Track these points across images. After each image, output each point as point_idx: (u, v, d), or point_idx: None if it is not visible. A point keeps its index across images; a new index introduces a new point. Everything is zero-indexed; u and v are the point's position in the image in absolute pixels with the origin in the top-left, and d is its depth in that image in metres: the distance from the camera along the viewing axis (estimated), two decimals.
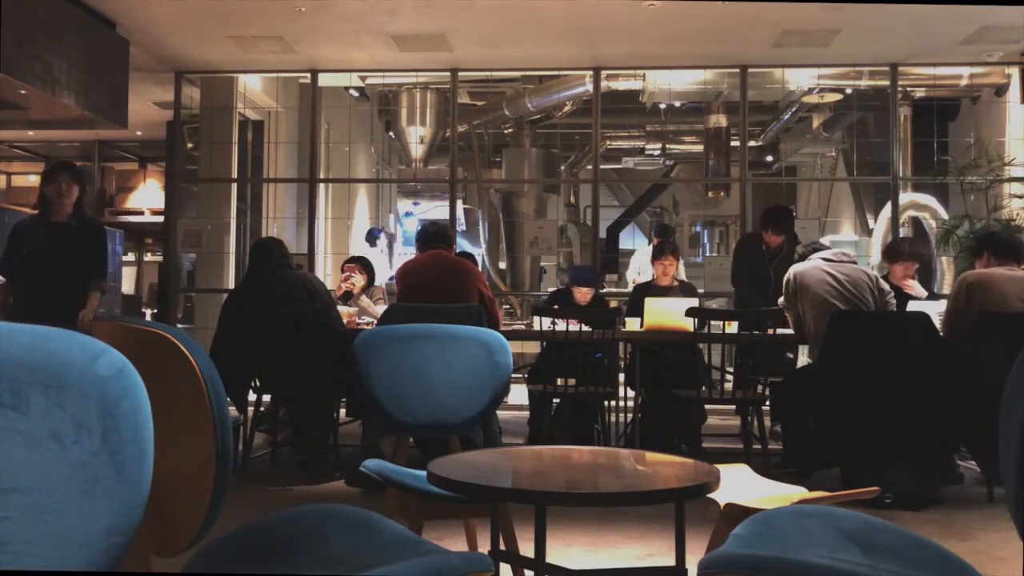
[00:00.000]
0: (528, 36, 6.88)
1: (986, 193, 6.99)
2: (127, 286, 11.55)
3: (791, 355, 5.66)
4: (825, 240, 6.12)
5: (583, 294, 5.50)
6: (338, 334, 4.64)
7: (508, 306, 9.80)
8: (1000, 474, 1.41)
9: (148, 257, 12.79)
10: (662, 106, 9.85)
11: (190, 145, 8.65)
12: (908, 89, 8.01)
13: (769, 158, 12.05)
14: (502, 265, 10.10)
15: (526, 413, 5.58)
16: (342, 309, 5.12)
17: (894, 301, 4.62)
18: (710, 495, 1.89)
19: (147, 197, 10.57)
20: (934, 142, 7.95)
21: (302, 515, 1.72)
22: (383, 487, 2.38)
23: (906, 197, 8.14)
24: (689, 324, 4.78)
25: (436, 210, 9.72)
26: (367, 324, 5.07)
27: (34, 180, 12.62)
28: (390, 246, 10.33)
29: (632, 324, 5.22)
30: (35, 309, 4.18)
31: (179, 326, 8.06)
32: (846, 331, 4.18)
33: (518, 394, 6.42)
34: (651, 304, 5.03)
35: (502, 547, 2.32)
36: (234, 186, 8.41)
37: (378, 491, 2.48)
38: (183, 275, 8.91)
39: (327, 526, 1.66)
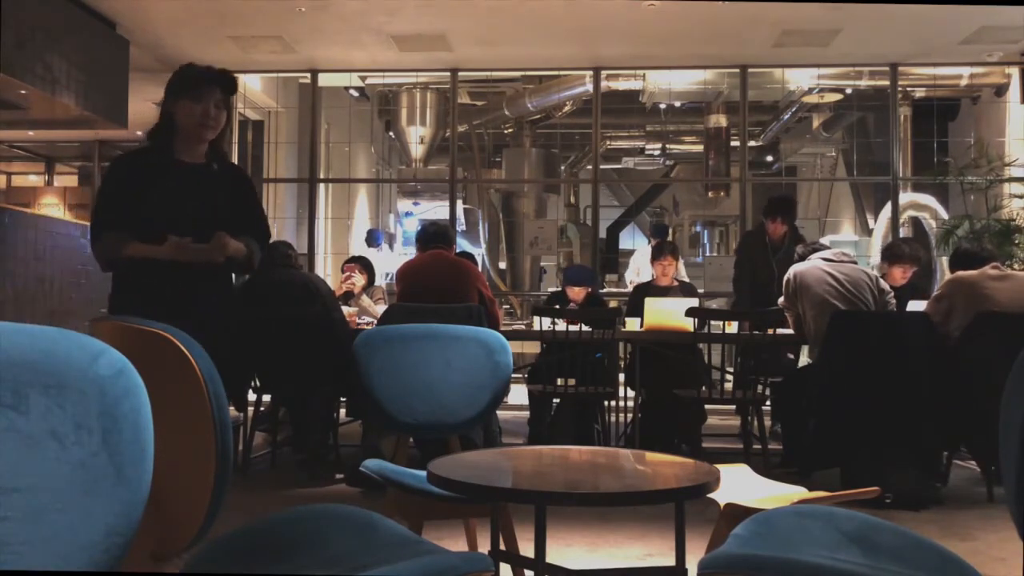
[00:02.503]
0: (528, 36, 6.88)
1: (986, 193, 6.99)
2: None
3: (791, 355, 5.66)
4: (825, 240, 6.13)
5: (576, 293, 5.53)
6: (339, 334, 4.64)
7: (508, 306, 9.80)
8: (1000, 474, 1.41)
9: None
10: (662, 106, 9.86)
11: None
12: (908, 89, 8.02)
13: (769, 158, 12.05)
14: (502, 265, 10.10)
15: (526, 413, 5.58)
16: (343, 309, 5.12)
17: (894, 301, 4.62)
18: (710, 495, 1.89)
19: None
20: (934, 142, 7.96)
21: (302, 515, 1.72)
22: (383, 487, 2.38)
23: (906, 197, 8.14)
24: (689, 324, 4.78)
25: (436, 210, 9.71)
26: (367, 324, 5.07)
27: (34, 180, 12.63)
28: (390, 246, 10.34)
29: (632, 324, 5.22)
30: (166, 291, 2.62)
31: None
32: (846, 331, 4.18)
33: (518, 394, 6.42)
34: (651, 304, 5.04)
35: (502, 547, 2.32)
36: None
37: (378, 491, 2.49)
38: None
39: (327, 526, 1.66)
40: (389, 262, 9.02)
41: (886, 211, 8.01)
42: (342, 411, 5.34)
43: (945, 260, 7.72)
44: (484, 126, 9.91)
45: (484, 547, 2.43)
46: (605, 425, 5.30)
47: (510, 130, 9.92)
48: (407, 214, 10.85)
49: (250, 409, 4.78)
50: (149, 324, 1.55)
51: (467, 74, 8.15)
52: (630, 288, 7.72)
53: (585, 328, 4.80)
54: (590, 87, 7.98)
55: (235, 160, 8.30)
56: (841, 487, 3.91)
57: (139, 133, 10.56)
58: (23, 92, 5.82)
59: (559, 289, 5.87)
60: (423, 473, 1.98)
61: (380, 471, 2.36)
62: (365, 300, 5.76)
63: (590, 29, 6.77)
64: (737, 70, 7.63)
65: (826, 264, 4.51)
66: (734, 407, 5.66)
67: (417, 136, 8.79)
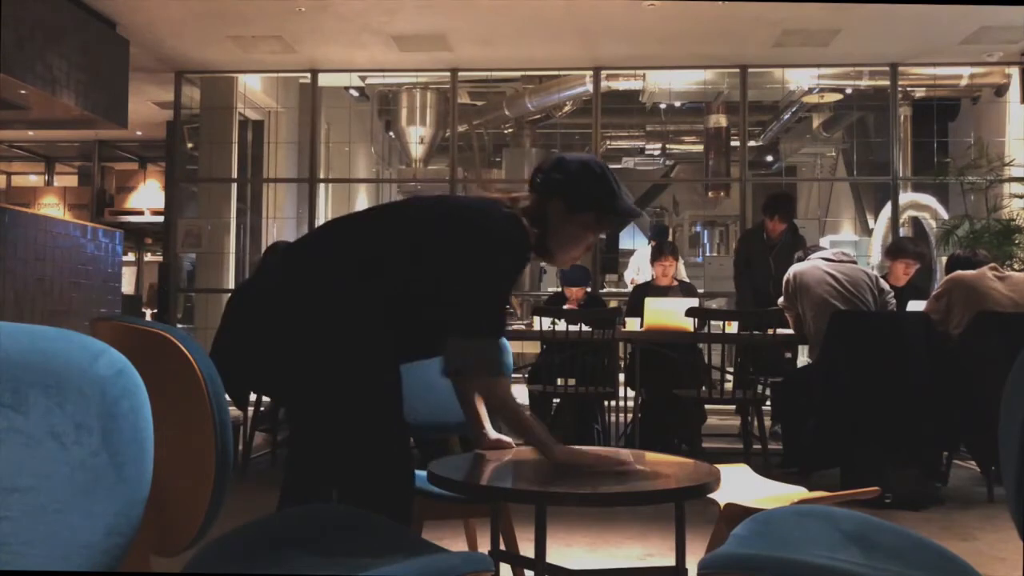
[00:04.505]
0: (528, 36, 6.88)
1: (986, 193, 6.99)
2: (127, 286, 11.54)
3: (791, 355, 5.67)
4: (825, 240, 6.14)
5: (573, 293, 5.56)
6: None
7: (508, 306, 9.78)
8: (1000, 474, 1.41)
9: (148, 257, 12.79)
10: (662, 106, 9.86)
11: (190, 145, 8.65)
12: (908, 89, 8.01)
13: (769, 158, 12.05)
14: None
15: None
16: None
17: (894, 301, 4.62)
18: (710, 495, 1.89)
19: (147, 197, 10.57)
20: (934, 142, 7.95)
21: (302, 515, 1.72)
22: None
23: (906, 197, 8.14)
24: (689, 324, 4.77)
25: None
26: None
27: (34, 180, 12.63)
28: None
29: (632, 324, 5.22)
30: None
31: (179, 326, 8.06)
32: (846, 331, 4.18)
33: (518, 394, 6.40)
34: (651, 304, 5.03)
35: (502, 547, 2.32)
36: (234, 186, 8.41)
37: None
38: (183, 275, 8.91)
39: (327, 526, 1.66)
40: None
41: (886, 211, 8.01)
42: None
43: (945, 260, 7.73)
44: (484, 126, 9.90)
45: (484, 547, 2.43)
46: (605, 425, 5.30)
47: (510, 130, 9.91)
48: None
49: (250, 409, 4.77)
50: (149, 324, 1.55)
51: (467, 74, 8.14)
52: (630, 288, 7.72)
53: (585, 328, 4.80)
54: (590, 87, 7.97)
55: (235, 160, 8.30)
56: (841, 487, 3.91)
57: (138, 133, 10.57)
58: (23, 92, 5.82)
59: (559, 289, 5.88)
60: (423, 473, 1.98)
61: None
62: None
63: (590, 29, 6.76)
64: (737, 70, 7.63)
65: (826, 264, 4.51)
66: (734, 407, 5.66)
67: (417, 136, 8.79)
